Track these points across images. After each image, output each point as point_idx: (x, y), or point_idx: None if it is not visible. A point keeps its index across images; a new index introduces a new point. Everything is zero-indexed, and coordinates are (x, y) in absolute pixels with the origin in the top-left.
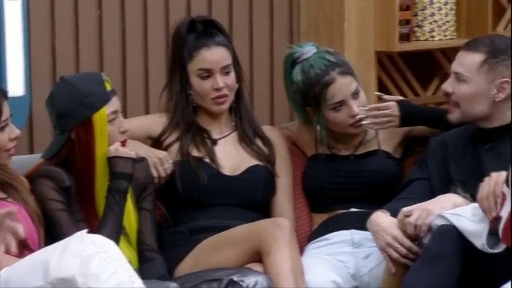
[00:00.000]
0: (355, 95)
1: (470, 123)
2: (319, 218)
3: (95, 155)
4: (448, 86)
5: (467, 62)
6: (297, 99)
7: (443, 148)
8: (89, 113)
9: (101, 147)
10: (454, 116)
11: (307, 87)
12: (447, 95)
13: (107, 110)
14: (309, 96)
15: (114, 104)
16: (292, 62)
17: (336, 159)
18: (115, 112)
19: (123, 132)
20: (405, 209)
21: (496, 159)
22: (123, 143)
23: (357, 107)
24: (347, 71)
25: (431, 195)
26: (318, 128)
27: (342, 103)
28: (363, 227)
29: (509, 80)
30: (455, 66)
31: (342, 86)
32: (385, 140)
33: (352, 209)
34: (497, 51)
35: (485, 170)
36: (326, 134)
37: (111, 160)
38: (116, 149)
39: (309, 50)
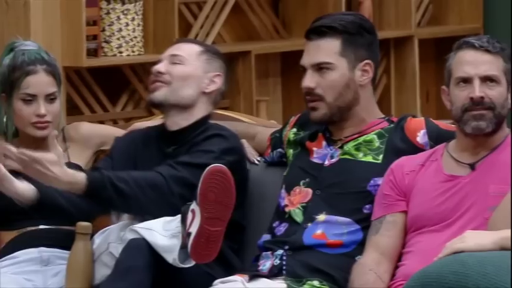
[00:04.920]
0: (50, 98)
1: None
2: (8, 236)
3: None
4: (161, 67)
5: (187, 48)
6: None
7: (132, 147)
8: None
9: None
10: (159, 93)
11: (9, 71)
12: (157, 75)
13: None
14: (8, 80)
15: None
16: (10, 49)
17: None
18: None
19: None
20: None
21: None
22: None
23: (45, 110)
24: (54, 73)
25: None
26: (5, 119)
27: (32, 97)
28: (52, 244)
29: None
30: (173, 50)
31: (41, 81)
32: (77, 152)
33: (42, 226)
34: (212, 49)
35: None
36: (12, 126)
37: None
38: None
39: (32, 43)
